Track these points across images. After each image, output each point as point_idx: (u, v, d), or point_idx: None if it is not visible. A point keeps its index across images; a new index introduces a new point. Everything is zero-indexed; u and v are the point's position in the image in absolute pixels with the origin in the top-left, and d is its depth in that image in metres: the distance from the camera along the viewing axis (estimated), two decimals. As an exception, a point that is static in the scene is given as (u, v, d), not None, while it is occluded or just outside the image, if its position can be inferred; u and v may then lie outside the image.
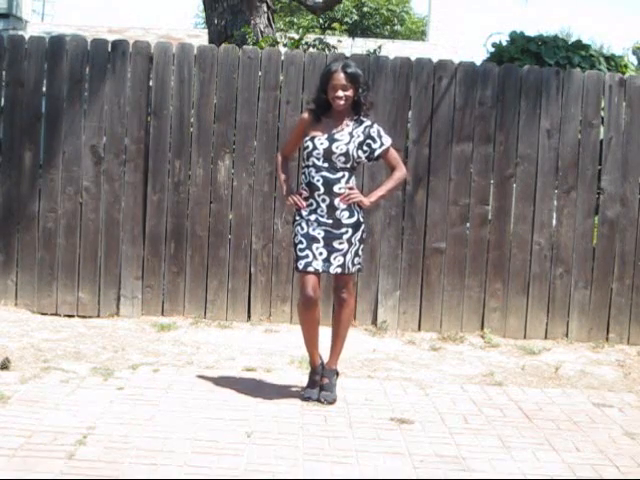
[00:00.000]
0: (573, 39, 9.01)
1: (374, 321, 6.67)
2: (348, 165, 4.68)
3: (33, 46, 6.59)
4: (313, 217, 4.67)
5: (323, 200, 4.66)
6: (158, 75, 6.59)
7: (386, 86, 6.63)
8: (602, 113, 6.70)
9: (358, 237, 4.73)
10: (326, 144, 4.66)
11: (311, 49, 8.20)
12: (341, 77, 4.63)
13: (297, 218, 4.73)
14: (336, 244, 4.67)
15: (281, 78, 6.60)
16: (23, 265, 6.62)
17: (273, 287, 6.65)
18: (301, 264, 4.64)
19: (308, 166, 4.69)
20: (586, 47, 8.53)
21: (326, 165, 4.65)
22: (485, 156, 6.66)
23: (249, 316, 6.65)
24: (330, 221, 4.66)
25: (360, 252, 4.78)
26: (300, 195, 4.72)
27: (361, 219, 4.75)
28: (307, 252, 4.64)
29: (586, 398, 5.16)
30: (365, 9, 23.98)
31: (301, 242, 4.65)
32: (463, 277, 6.67)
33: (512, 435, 4.37)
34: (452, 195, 6.65)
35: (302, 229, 4.67)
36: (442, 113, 6.65)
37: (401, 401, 4.85)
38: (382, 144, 4.77)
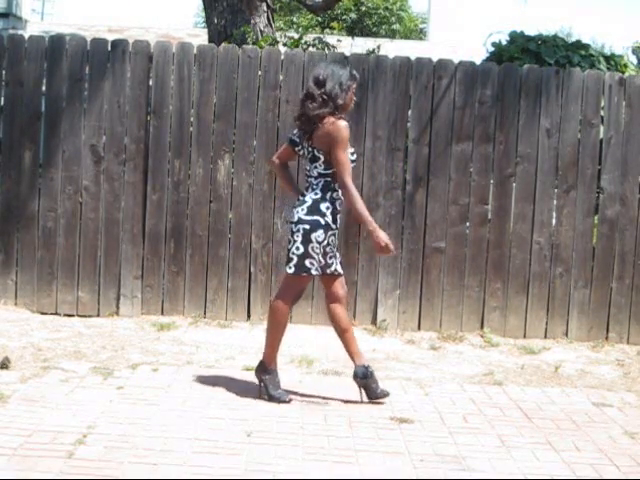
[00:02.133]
0: (573, 39, 9.00)
1: (374, 320, 6.67)
2: None
3: (33, 45, 6.59)
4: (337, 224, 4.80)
5: None
6: (158, 74, 6.59)
7: (386, 86, 6.63)
8: (602, 112, 6.70)
9: None
10: None
11: (311, 48, 8.20)
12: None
13: (333, 227, 4.69)
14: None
15: (281, 77, 6.60)
16: (23, 264, 6.62)
17: (273, 286, 6.64)
18: (337, 270, 4.75)
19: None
20: (586, 46, 8.52)
21: None
22: (485, 155, 6.66)
23: (249, 315, 6.65)
24: None
25: None
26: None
27: None
28: (334, 259, 4.76)
29: (586, 397, 5.16)
30: (363, 8, 23.98)
31: (332, 250, 4.72)
32: (463, 276, 6.67)
33: (512, 434, 4.37)
34: (452, 194, 6.65)
35: (335, 238, 4.74)
36: (442, 113, 6.65)
37: (401, 400, 4.85)
38: None
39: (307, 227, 4.61)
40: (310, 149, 4.70)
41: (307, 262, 4.64)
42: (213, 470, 3.65)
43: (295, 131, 4.85)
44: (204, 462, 3.72)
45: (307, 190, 4.72)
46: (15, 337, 5.77)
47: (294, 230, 4.67)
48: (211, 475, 3.60)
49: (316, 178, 4.68)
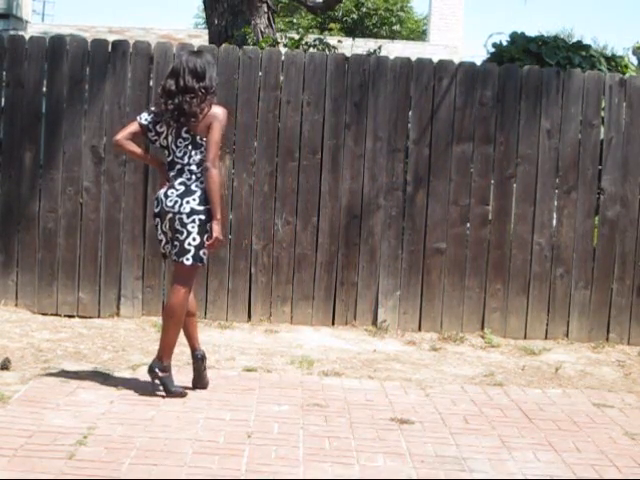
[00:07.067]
0: (574, 39, 9.00)
1: (374, 321, 6.66)
2: None
3: (33, 46, 6.59)
4: None
5: None
6: (158, 75, 6.57)
7: (386, 87, 6.63)
8: (602, 113, 6.70)
9: None
10: None
11: (311, 49, 8.20)
12: None
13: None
14: None
15: (281, 78, 6.60)
16: (23, 265, 6.62)
17: (273, 287, 6.64)
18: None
19: None
20: (586, 47, 8.53)
21: None
22: (485, 156, 6.66)
23: (249, 316, 6.65)
24: None
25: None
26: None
27: None
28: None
29: (586, 398, 5.16)
30: (363, 9, 23.97)
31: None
32: (463, 277, 6.66)
33: (512, 435, 4.37)
34: (452, 195, 6.65)
35: None
36: (442, 113, 6.65)
37: (401, 401, 4.85)
38: None
39: (203, 218, 4.59)
40: (188, 136, 4.63)
41: (202, 252, 4.64)
42: (213, 471, 3.64)
43: (146, 116, 4.73)
44: (204, 463, 3.72)
45: (188, 179, 4.64)
46: (16, 338, 5.77)
47: (186, 221, 4.58)
48: (211, 476, 3.60)
49: (198, 166, 4.63)
